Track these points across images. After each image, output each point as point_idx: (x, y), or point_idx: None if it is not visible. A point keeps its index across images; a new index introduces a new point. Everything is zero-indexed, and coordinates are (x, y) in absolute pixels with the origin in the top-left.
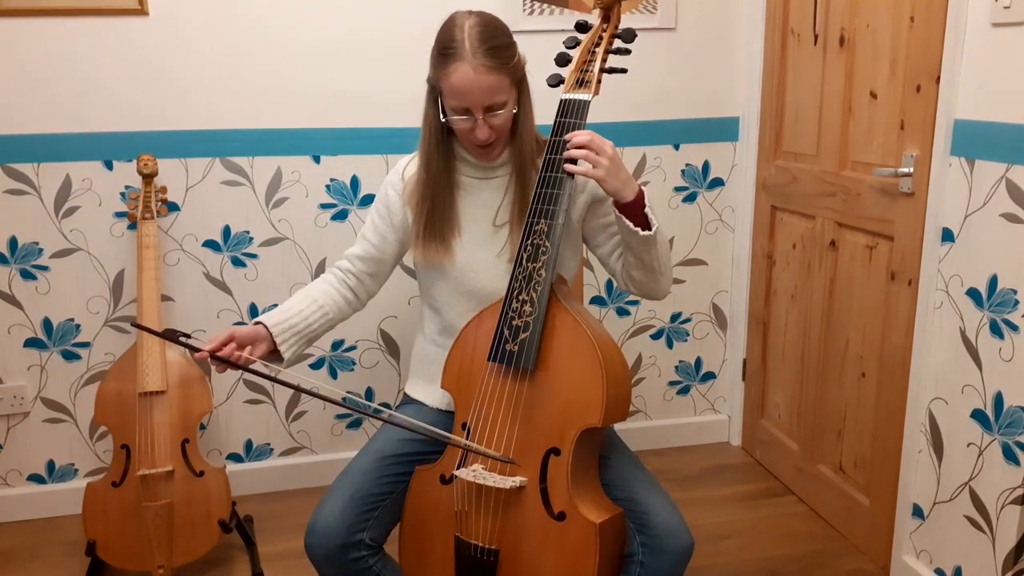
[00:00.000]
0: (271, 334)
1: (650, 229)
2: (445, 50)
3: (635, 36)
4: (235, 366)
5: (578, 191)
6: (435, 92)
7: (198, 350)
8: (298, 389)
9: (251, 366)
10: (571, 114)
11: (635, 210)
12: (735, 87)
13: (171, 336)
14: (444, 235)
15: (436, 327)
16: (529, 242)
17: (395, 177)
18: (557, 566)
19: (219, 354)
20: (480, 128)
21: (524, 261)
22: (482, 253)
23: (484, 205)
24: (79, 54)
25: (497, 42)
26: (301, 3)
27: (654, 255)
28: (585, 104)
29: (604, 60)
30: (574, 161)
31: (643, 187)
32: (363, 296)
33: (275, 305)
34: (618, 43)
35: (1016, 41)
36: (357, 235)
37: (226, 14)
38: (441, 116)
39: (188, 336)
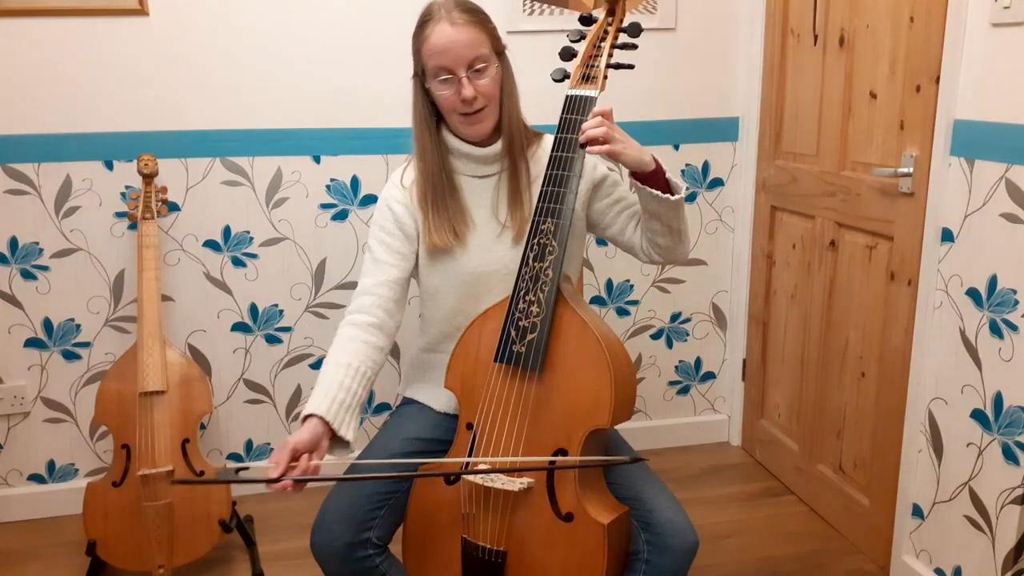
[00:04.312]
0: (327, 423)
1: (676, 193)
2: (423, 20)
3: (641, 30)
4: (314, 480)
5: None
6: (420, 78)
7: (274, 480)
8: (388, 476)
9: (328, 474)
10: (577, 110)
11: (658, 178)
12: (735, 87)
13: (229, 479)
14: (453, 222)
15: (436, 336)
16: (535, 242)
17: (394, 190)
18: (565, 567)
19: (295, 475)
20: (465, 86)
21: (531, 261)
22: (491, 255)
23: (488, 204)
24: (79, 54)
25: (473, 6)
26: (301, 3)
27: (682, 217)
28: (592, 100)
29: (610, 55)
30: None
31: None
32: (391, 330)
33: (278, 312)
34: (624, 38)
35: (1016, 41)
36: (365, 266)
37: (226, 14)
38: (424, 88)
39: (246, 468)
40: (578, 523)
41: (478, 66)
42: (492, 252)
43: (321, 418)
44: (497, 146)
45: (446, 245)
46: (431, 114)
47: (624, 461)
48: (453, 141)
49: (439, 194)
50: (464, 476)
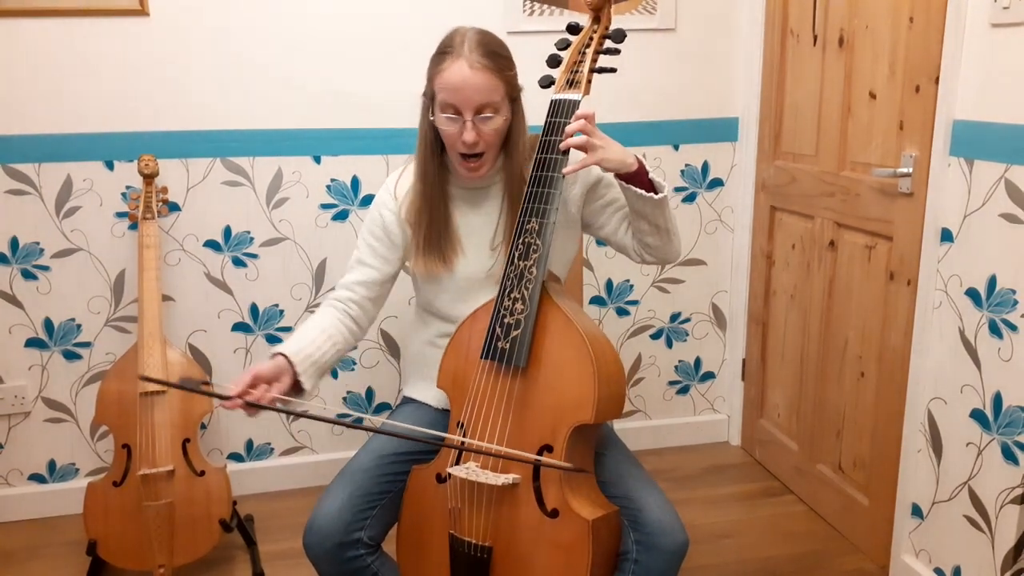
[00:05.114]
0: (292, 365)
1: (659, 192)
2: (443, 50)
3: (625, 36)
4: (268, 408)
5: (570, 184)
6: (429, 102)
7: (226, 397)
8: (335, 422)
9: (284, 406)
10: (561, 114)
11: (641, 178)
12: (734, 87)
13: (190, 386)
14: (444, 249)
15: (437, 331)
16: (520, 240)
17: (387, 197)
18: (550, 563)
19: (250, 399)
20: (468, 130)
21: (515, 259)
22: (482, 267)
23: (481, 216)
24: (80, 54)
25: (496, 49)
26: (302, 3)
27: (668, 216)
28: (575, 104)
29: (594, 60)
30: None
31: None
32: (364, 325)
33: (279, 312)
34: (608, 43)
35: (1015, 42)
36: (350, 262)
37: (227, 14)
38: (430, 116)
39: (208, 383)
40: (563, 519)
41: (486, 113)
42: (484, 259)
43: (288, 359)
44: (496, 170)
45: (436, 273)
46: (436, 137)
47: (564, 467)
48: (454, 164)
49: (436, 219)
50: (451, 472)
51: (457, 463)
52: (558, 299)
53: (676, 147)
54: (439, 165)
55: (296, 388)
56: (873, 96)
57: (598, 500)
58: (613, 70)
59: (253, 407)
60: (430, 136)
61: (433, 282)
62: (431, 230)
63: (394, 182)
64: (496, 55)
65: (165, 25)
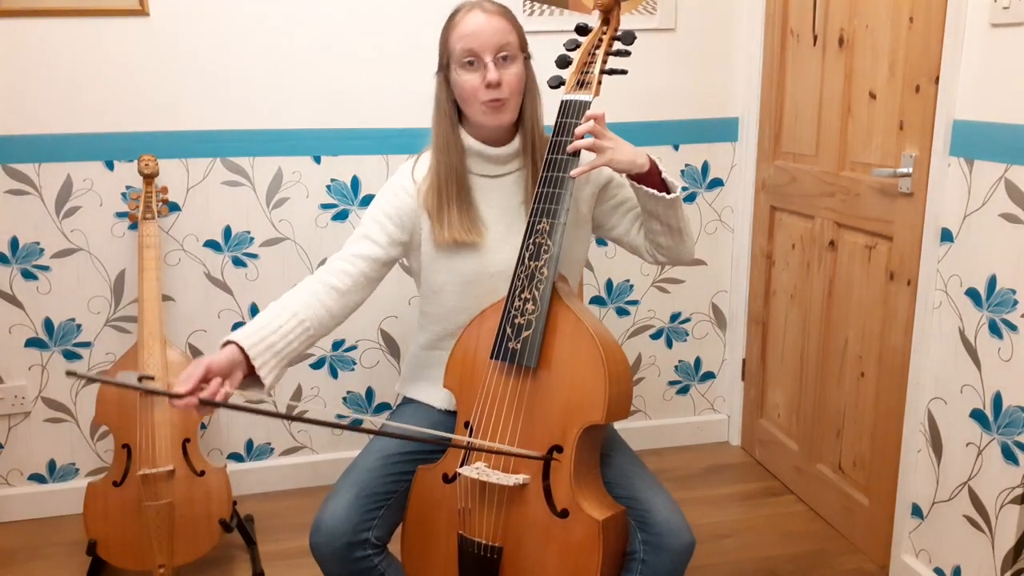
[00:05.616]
0: (247, 356)
1: (672, 192)
2: (453, 12)
3: (635, 38)
4: (225, 406)
5: (581, 184)
6: (444, 71)
7: (176, 395)
8: (294, 419)
9: (242, 403)
10: (572, 114)
11: (653, 178)
12: (734, 87)
13: (131, 384)
14: (475, 221)
15: (437, 333)
16: (531, 241)
17: (405, 180)
18: (560, 563)
19: (203, 396)
20: (491, 70)
21: (526, 260)
22: (498, 256)
23: (497, 205)
24: (80, 54)
25: (504, 6)
26: (301, 3)
27: (680, 216)
28: (586, 104)
29: (604, 62)
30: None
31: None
32: (348, 307)
33: None
34: (618, 45)
35: (1015, 41)
36: (352, 236)
37: (226, 14)
38: (449, 75)
39: (151, 379)
40: (573, 520)
41: (504, 54)
42: (499, 253)
43: (242, 349)
44: (512, 146)
45: (470, 240)
46: (454, 111)
47: (532, 456)
48: (469, 140)
49: (464, 190)
50: (461, 472)
51: (465, 463)
52: (568, 300)
53: (676, 147)
54: (458, 144)
55: (255, 379)
56: (873, 96)
57: (606, 500)
58: (624, 72)
59: (208, 405)
60: (447, 109)
61: (449, 265)
62: (461, 198)
63: (411, 167)
64: (505, 7)
65: (165, 25)
